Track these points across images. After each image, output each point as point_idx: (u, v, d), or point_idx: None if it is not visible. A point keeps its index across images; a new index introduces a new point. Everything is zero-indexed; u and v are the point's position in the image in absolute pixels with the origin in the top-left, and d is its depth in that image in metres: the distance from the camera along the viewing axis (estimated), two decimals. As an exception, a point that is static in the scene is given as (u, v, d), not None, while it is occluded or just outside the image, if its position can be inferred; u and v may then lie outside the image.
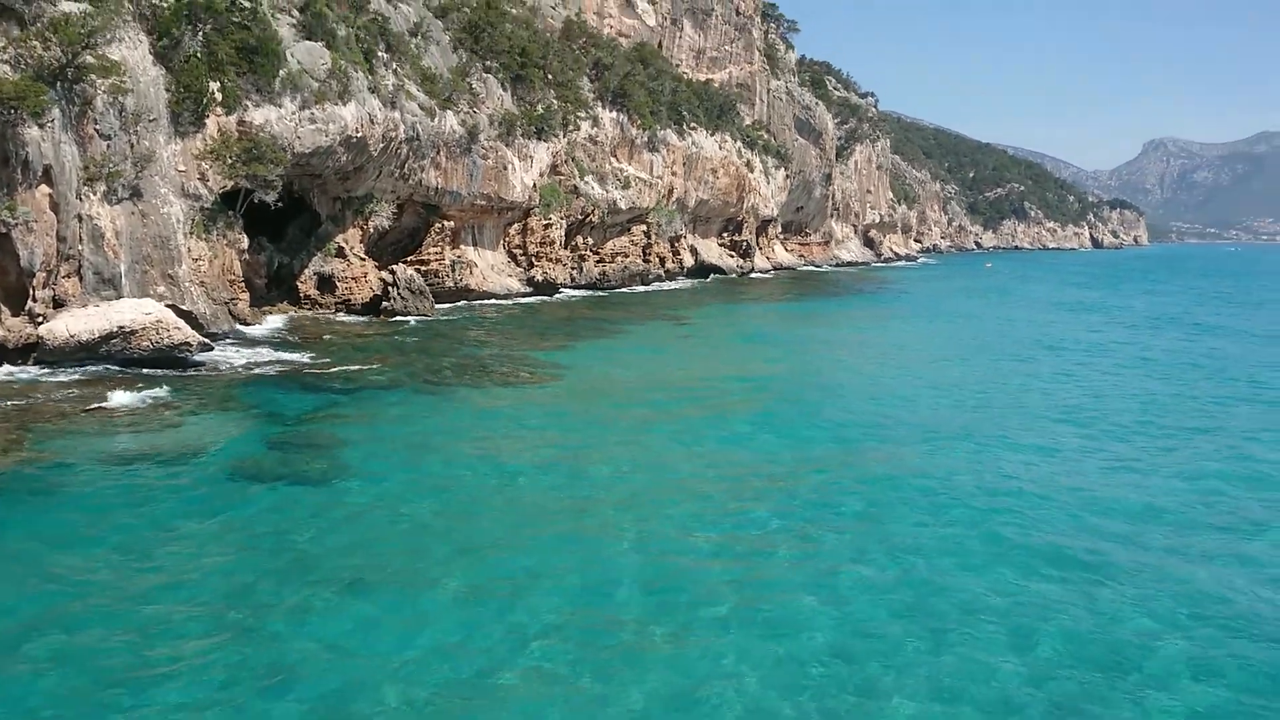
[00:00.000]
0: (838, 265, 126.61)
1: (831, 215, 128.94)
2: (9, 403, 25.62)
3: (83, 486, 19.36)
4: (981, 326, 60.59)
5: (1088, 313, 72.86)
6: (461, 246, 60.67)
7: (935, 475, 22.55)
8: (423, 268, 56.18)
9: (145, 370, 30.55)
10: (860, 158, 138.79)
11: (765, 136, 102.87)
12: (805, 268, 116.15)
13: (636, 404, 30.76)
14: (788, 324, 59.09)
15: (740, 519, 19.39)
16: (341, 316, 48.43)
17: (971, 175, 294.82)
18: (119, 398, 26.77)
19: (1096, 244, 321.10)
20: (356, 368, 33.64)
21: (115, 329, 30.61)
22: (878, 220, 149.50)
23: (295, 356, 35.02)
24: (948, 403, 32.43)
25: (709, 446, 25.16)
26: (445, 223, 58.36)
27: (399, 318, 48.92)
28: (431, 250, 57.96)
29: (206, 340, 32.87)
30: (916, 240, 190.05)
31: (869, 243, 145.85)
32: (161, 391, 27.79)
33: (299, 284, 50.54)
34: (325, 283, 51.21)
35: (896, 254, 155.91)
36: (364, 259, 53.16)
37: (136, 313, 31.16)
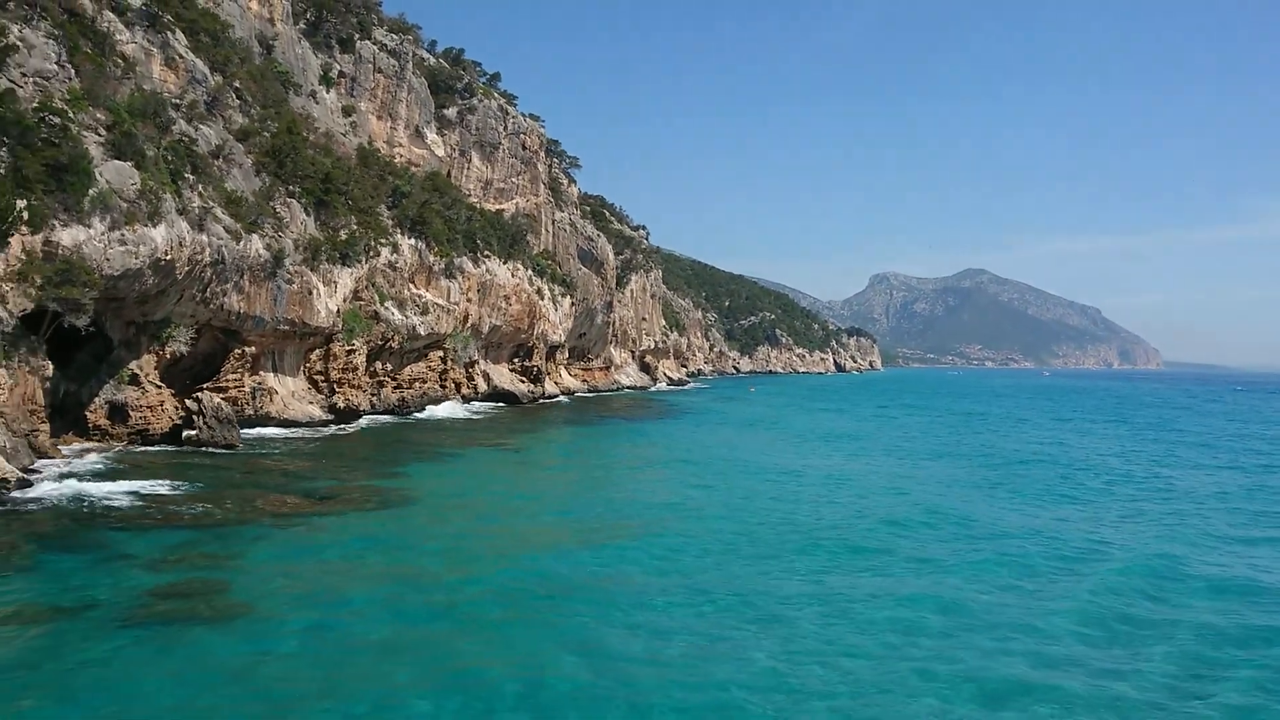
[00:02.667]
0: (619, 389, 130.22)
1: (611, 341, 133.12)
2: None
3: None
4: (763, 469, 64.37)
5: (864, 452, 78.80)
6: (261, 373, 58.43)
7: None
8: (221, 395, 53.62)
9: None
10: (636, 286, 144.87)
11: (552, 265, 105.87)
12: (588, 393, 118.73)
13: (494, 525, 30.80)
14: (594, 444, 60.42)
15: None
16: (141, 448, 45.26)
17: (727, 304, 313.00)
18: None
19: (840, 368, 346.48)
20: (192, 505, 31.73)
21: (-82, 466, 27.56)
22: (653, 346, 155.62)
23: (104, 491, 32.54)
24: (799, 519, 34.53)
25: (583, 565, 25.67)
26: (246, 349, 56.20)
27: (205, 448, 46.29)
28: (230, 377, 55.50)
29: (25, 475, 30.07)
30: (683, 365, 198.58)
31: (645, 368, 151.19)
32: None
33: (88, 413, 46.89)
34: (118, 411, 47.77)
35: (670, 378, 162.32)
36: (160, 386, 50.12)
37: (-58, 447, 28.19)
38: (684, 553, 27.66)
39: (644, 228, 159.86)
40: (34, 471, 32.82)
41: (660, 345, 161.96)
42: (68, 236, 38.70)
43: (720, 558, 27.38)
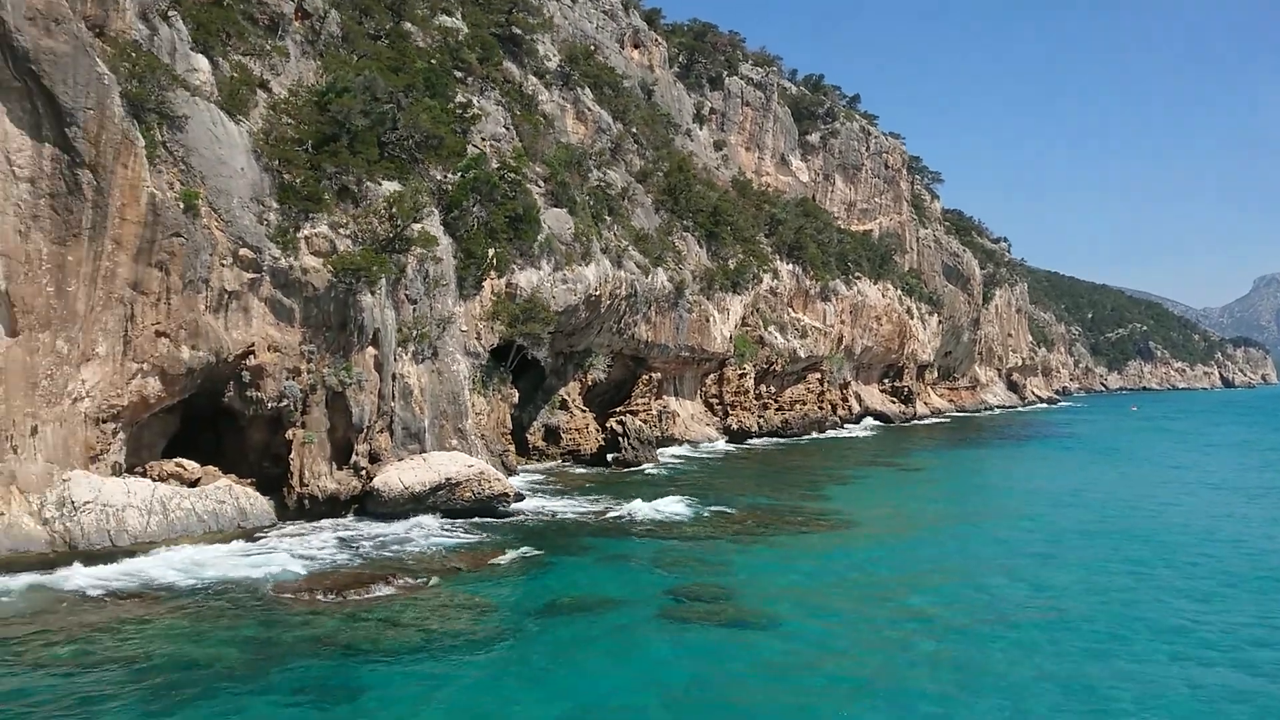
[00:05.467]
0: (986, 409, 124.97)
1: (977, 359, 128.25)
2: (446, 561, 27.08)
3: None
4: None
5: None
6: (665, 397, 62.29)
7: None
8: (632, 418, 57.70)
9: (471, 520, 31.93)
10: (1000, 302, 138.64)
11: (919, 283, 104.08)
12: (956, 413, 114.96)
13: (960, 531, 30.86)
14: (1004, 464, 58.47)
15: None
16: (577, 468, 49.67)
17: (1090, 316, 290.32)
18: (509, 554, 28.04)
19: (1227, 383, 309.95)
20: (656, 515, 34.46)
21: (443, 480, 32.24)
22: (1019, 363, 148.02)
23: (578, 505, 36.14)
24: None
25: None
26: (652, 374, 60.23)
27: (629, 467, 49.94)
28: (640, 401, 59.63)
29: (520, 491, 34.26)
30: (1049, 383, 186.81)
31: (1012, 386, 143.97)
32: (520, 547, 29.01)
33: (528, 435, 52.33)
34: (551, 433, 52.98)
35: (1039, 397, 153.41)
36: (585, 410, 54.94)
37: (460, 465, 32.81)
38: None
39: (1005, 240, 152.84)
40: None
41: (1028, 362, 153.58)
42: (524, 279, 43.67)
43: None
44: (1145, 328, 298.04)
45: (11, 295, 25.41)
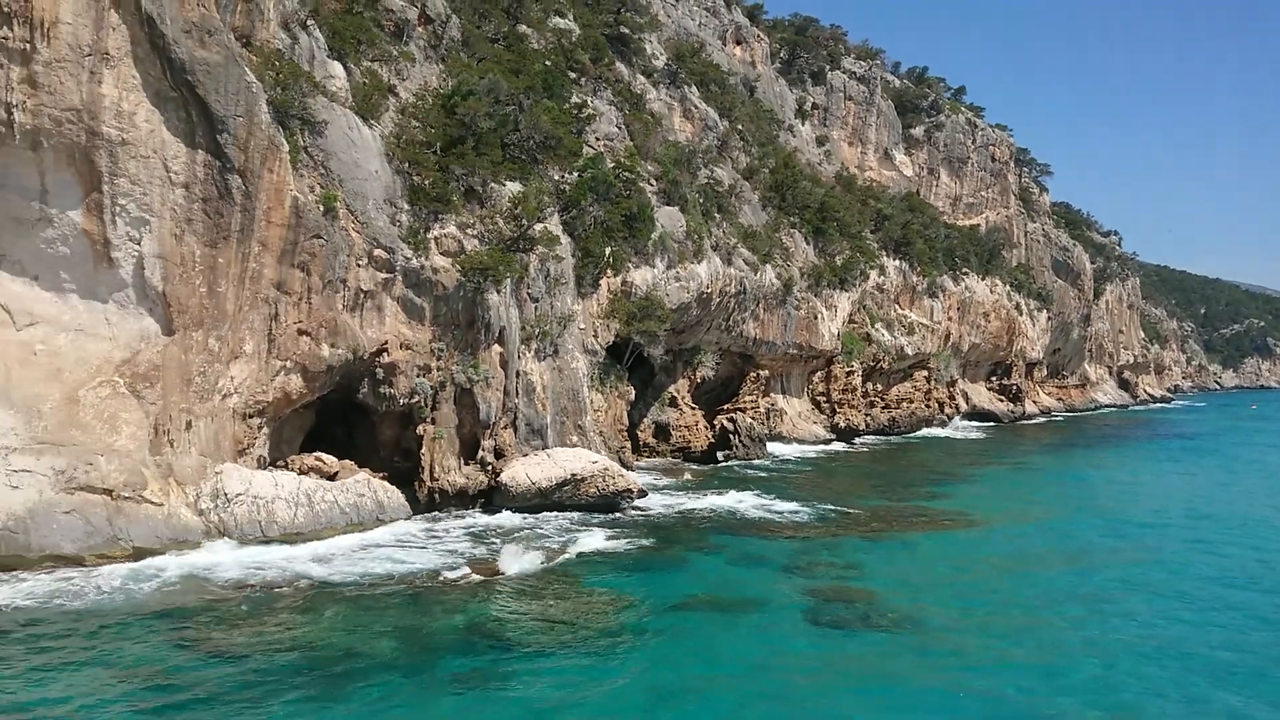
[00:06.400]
0: (1097, 408, 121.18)
1: (1087, 357, 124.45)
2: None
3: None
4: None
5: None
6: (772, 395, 61.96)
7: None
8: (743, 415, 57.53)
9: (596, 515, 32.29)
10: (1111, 297, 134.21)
11: (1027, 279, 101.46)
12: (1066, 412, 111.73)
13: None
14: (1129, 465, 56.73)
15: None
16: (689, 464, 49.75)
17: (1203, 312, 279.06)
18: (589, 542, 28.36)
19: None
20: (779, 513, 34.37)
21: (569, 476, 32.67)
22: (1131, 361, 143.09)
23: (699, 501, 36.22)
24: None
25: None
26: (760, 372, 59.96)
27: (739, 463, 49.84)
28: (748, 398, 59.42)
29: (643, 488, 34.53)
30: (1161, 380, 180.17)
31: (1123, 384, 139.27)
32: (624, 538, 29.29)
33: (638, 432, 52.58)
34: (661, 430, 53.12)
35: (1151, 395, 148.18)
36: (694, 408, 55.00)
37: (585, 461, 33.22)
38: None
39: (1116, 233, 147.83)
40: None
41: (1139, 360, 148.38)
42: (639, 277, 43.96)
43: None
44: (1263, 324, 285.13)
45: (168, 296, 26.61)
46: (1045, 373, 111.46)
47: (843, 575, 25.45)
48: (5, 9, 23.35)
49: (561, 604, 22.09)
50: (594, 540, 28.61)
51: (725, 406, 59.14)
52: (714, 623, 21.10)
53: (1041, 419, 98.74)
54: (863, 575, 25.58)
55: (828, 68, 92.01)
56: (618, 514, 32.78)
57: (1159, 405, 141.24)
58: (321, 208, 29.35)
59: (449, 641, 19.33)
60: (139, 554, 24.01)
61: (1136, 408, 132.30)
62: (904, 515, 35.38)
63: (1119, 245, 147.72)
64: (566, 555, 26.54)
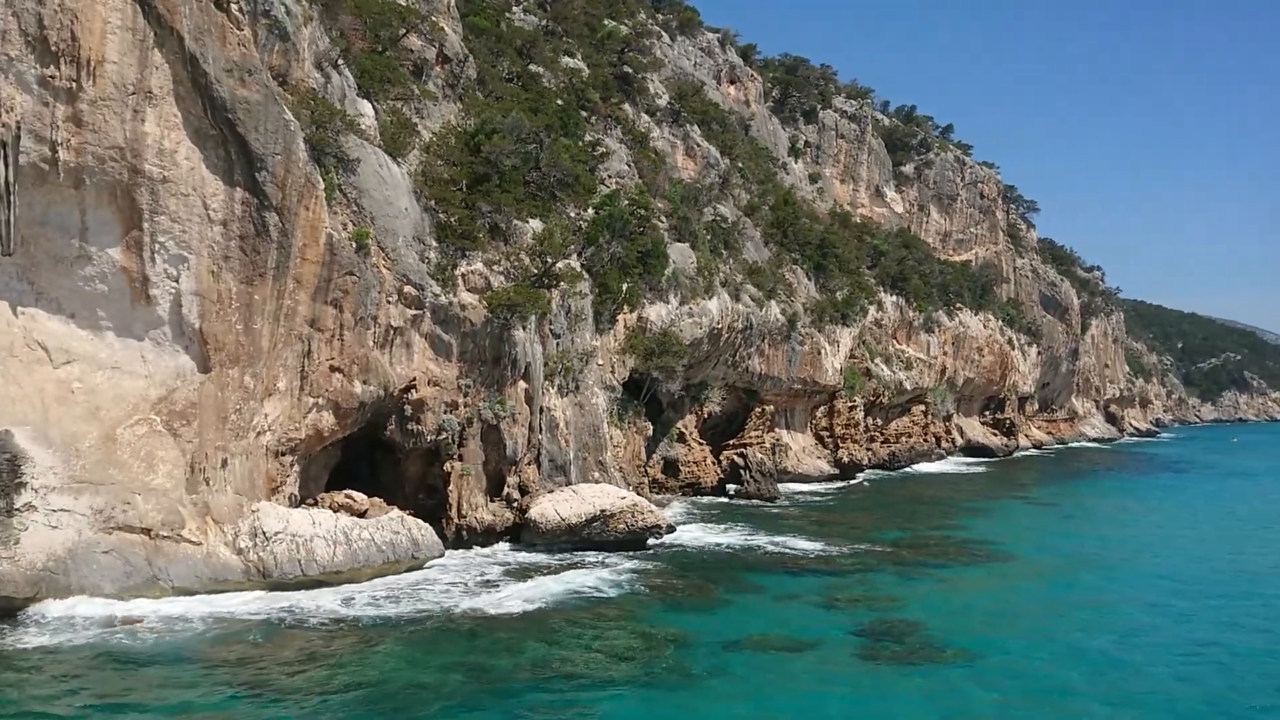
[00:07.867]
0: (1086, 442, 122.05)
1: (1075, 391, 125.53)
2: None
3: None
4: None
5: None
6: (777, 430, 62.08)
7: None
8: (752, 450, 57.60)
9: (626, 552, 32.18)
10: (1096, 332, 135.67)
11: (1018, 314, 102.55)
12: (1056, 446, 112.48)
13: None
14: (1134, 497, 57.12)
15: None
16: (700, 499, 49.72)
17: (1180, 346, 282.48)
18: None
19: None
20: (807, 549, 34.36)
21: (598, 512, 32.60)
22: (1117, 395, 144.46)
23: (724, 538, 36.20)
24: None
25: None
26: (765, 407, 60.10)
27: (751, 500, 49.82)
28: (754, 434, 59.43)
29: (671, 524, 34.47)
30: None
31: (1110, 418, 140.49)
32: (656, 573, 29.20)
33: (648, 468, 52.50)
34: (670, 466, 53.06)
35: (1137, 429, 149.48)
36: (702, 443, 55.01)
37: (613, 497, 33.18)
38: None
39: (1098, 268, 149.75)
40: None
41: (1125, 393, 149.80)
42: (653, 313, 44.17)
43: None
44: (1239, 357, 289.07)
45: (205, 333, 26.52)
46: (1036, 406, 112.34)
47: (886, 609, 25.44)
48: (53, 48, 23.42)
49: (615, 642, 21.98)
50: (631, 577, 28.50)
51: (730, 442, 59.14)
52: (774, 661, 20.99)
53: (1034, 453, 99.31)
54: (906, 608, 25.60)
55: (819, 107, 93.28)
56: (649, 550, 32.67)
57: (1146, 439, 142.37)
58: (354, 245, 29.40)
59: (512, 676, 19.20)
60: (179, 593, 23.75)
61: (1125, 441, 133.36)
62: (930, 549, 35.51)
63: (1102, 280, 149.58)
64: (608, 593, 26.43)
